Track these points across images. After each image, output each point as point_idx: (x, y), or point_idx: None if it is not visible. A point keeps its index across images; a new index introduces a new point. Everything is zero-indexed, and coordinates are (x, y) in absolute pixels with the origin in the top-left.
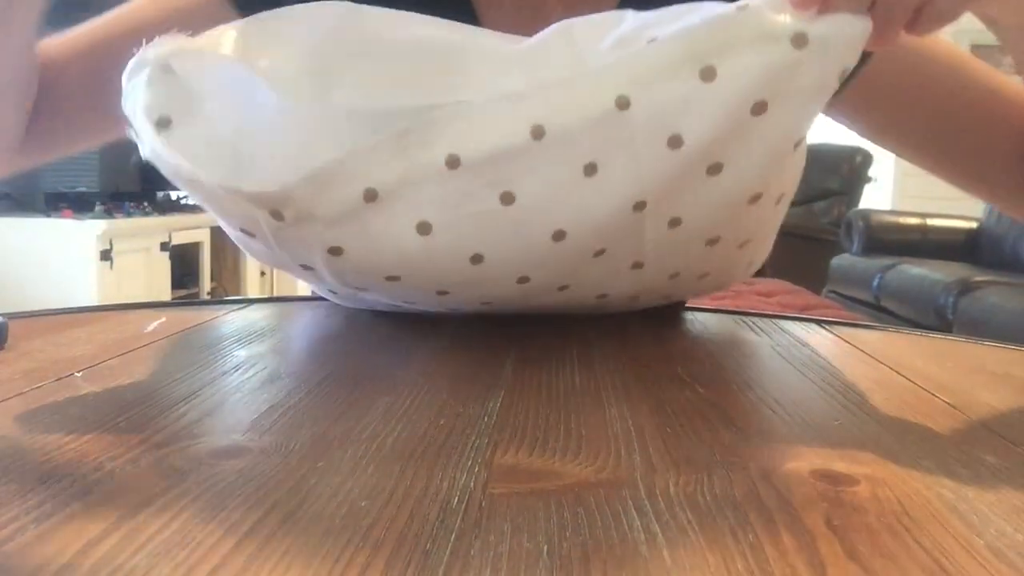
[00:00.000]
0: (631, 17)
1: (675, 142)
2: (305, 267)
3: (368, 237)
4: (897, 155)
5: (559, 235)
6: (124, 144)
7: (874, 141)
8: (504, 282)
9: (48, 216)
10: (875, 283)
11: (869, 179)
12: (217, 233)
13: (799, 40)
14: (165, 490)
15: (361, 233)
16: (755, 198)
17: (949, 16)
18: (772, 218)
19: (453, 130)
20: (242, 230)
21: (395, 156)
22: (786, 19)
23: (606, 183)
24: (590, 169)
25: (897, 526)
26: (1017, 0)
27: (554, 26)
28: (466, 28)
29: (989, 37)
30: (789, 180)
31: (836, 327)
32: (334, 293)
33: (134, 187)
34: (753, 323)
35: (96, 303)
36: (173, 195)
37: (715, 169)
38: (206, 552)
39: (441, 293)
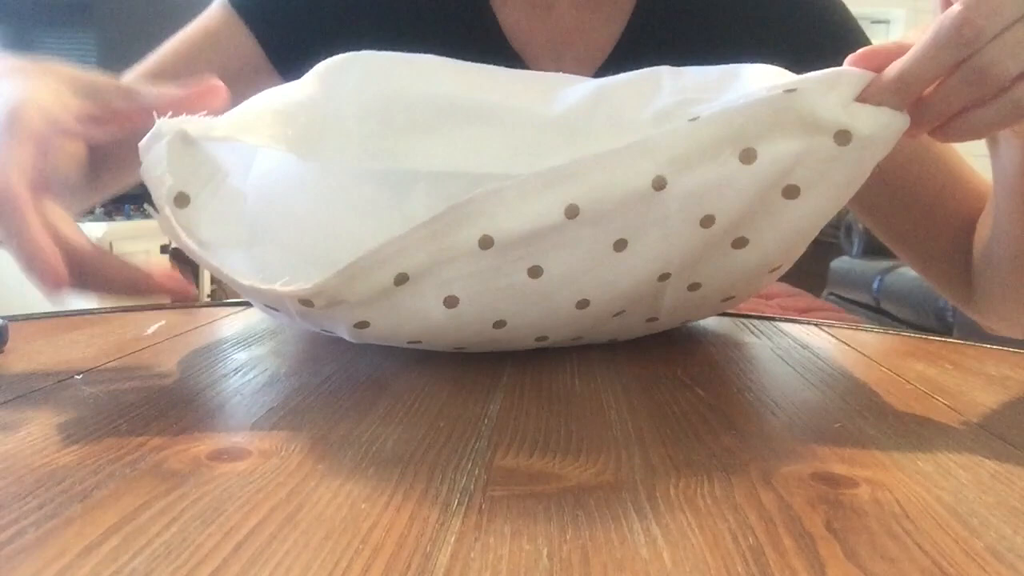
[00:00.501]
0: (668, 80)
1: (708, 221)
2: (326, 331)
3: (395, 313)
4: (856, 216)
5: (583, 303)
6: None
7: None
8: (523, 341)
9: None
10: (875, 285)
11: None
12: None
13: (843, 137)
14: (165, 492)
15: (389, 310)
16: (776, 269)
17: (981, 132)
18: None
19: (488, 212)
20: (267, 306)
21: (428, 241)
22: (834, 111)
23: (634, 257)
24: (620, 244)
25: (897, 528)
26: None
27: (591, 88)
28: (493, 77)
29: None
30: (807, 242)
31: (836, 329)
32: None
33: (134, 189)
34: (753, 325)
35: (96, 306)
36: None
37: (740, 243)
38: (206, 555)
39: (458, 349)
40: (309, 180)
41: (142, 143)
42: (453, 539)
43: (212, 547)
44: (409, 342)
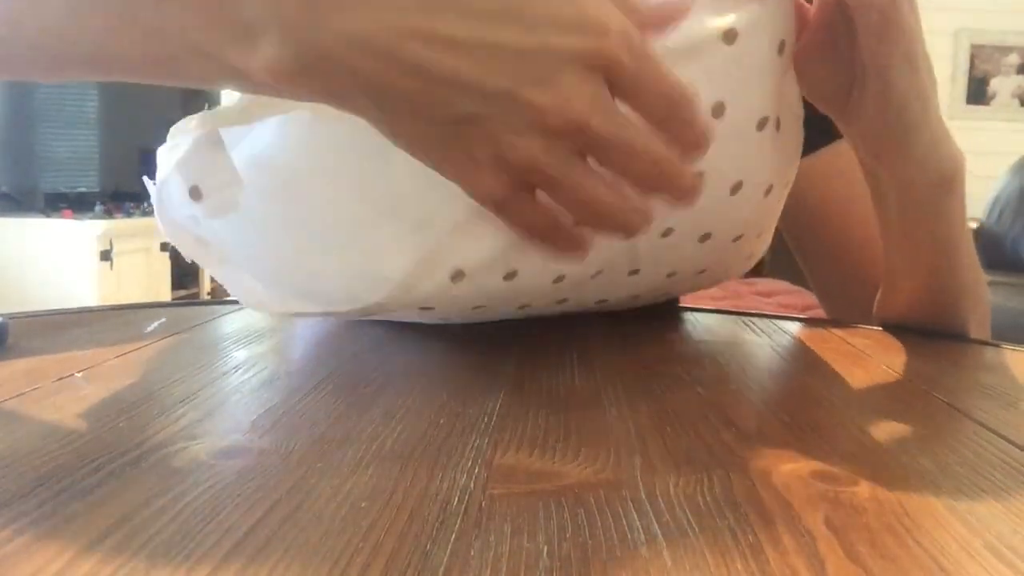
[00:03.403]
0: None
1: None
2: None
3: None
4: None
5: (559, 279)
6: (124, 145)
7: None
8: (505, 309)
9: (48, 216)
10: None
11: None
12: None
13: (729, 36)
14: (165, 491)
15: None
16: (736, 187)
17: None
18: (764, 211)
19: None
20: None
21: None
22: (716, 20)
23: None
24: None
25: (896, 526)
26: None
27: None
28: None
29: (989, 37)
30: (772, 168)
31: (835, 327)
32: None
33: (134, 187)
34: (753, 323)
35: (96, 303)
36: None
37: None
38: (206, 553)
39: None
40: (349, 200)
41: (174, 127)
42: (453, 537)
43: (212, 545)
44: (421, 309)
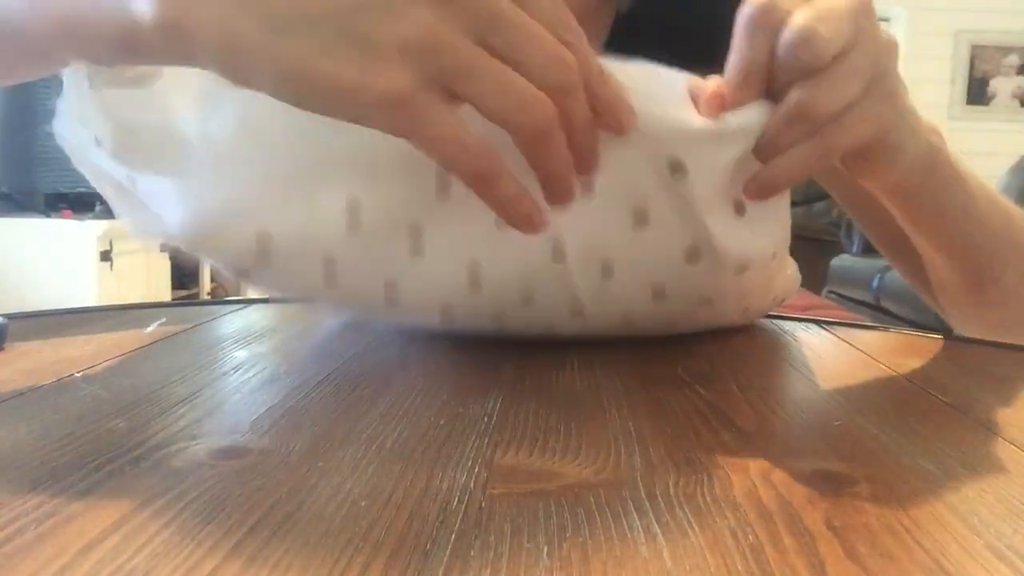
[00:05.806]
0: None
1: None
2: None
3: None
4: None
5: (474, 275)
6: None
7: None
8: (426, 314)
9: (48, 217)
10: (875, 283)
11: None
12: None
13: (677, 167)
14: (165, 491)
15: (273, 272)
16: (696, 257)
17: (798, 169)
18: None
19: (355, 177)
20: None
21: (287, 205)
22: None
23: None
24: (501, 222)
25: (897, 526)
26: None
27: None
28: None
29: (989, 37)
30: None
31: (836, 327)
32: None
33: None
34: (752, 323)
35: (96, 304)
36: None
37: (641, 219)
38: (206, 552)
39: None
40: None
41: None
42: (453, 537)
43: (212, 545)
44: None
